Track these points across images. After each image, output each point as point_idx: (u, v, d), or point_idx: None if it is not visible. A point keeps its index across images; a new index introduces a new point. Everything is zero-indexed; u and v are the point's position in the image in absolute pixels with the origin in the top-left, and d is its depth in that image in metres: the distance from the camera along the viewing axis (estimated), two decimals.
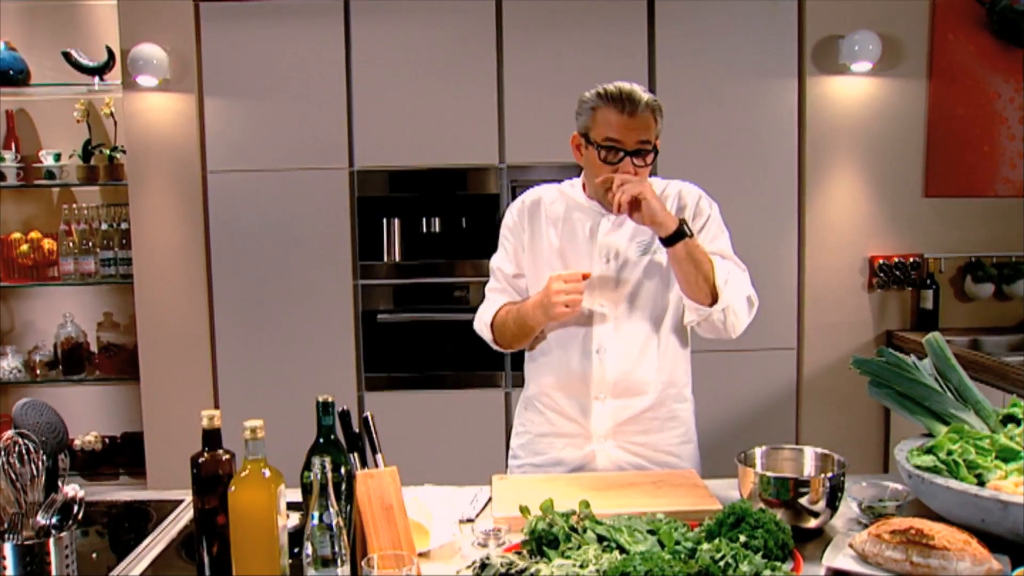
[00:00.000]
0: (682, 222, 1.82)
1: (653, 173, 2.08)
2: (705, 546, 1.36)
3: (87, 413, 3.78)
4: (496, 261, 2.11)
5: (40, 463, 1.38)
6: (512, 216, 2.09)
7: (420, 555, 1.47)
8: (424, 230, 3.44)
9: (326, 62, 3.39)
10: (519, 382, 2.22)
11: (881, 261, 3.46)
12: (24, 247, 3.63)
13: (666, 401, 2.00)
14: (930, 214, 3.48)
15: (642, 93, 1.87)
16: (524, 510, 1.54)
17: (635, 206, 1.80)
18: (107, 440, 3.72)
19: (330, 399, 1.46)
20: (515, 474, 2.07)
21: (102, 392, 3.81)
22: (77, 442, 3.63)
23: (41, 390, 3.65)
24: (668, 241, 1.82)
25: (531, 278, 2.05)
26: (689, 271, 1.84)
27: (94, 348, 3.71)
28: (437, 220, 3.44)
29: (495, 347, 2.09)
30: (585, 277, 1.89)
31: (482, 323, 2.08)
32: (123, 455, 3.70)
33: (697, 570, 1.30)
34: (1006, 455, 1.55)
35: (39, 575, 1.34)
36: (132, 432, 3.70)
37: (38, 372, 3.66)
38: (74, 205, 3.66)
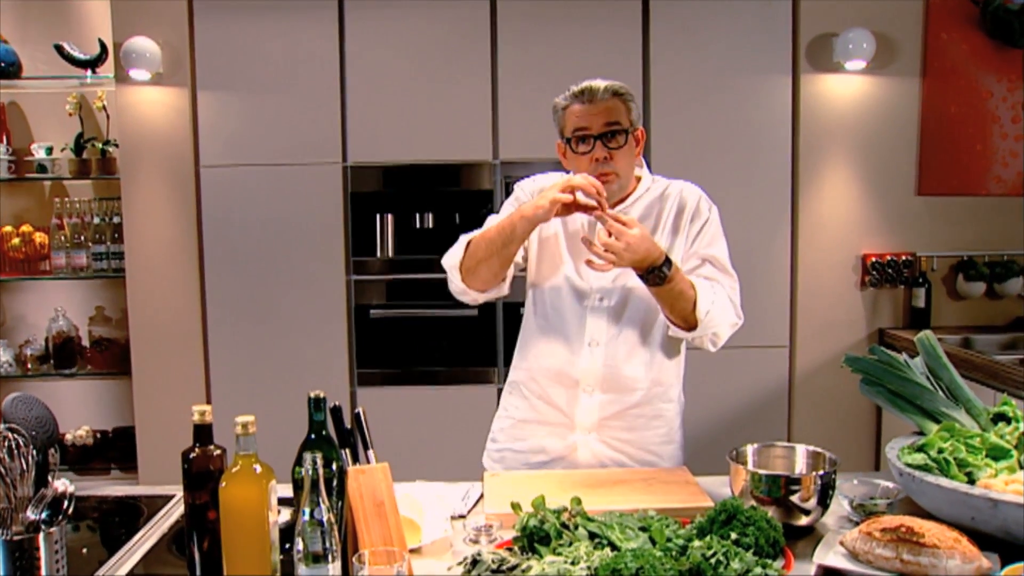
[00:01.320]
0: (654, 267, 1.77)
1: (650, 169, 2.09)
2: (696, 543, 1.35)
3: (78, 407, 3.77)
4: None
5: (30, 458, 1.37)
6: (524, 192, 2.04)
7: (411, 551, 1.47)
8: (417, 226, 3.43)
9: (320, 57, 3.38)
10: None
11: (874, 259, 3.47)
12: (15, 240, 3.62)
13: (653, 399, 2.00)
14: (923, 212, 3.49)
15: (602, 81, 1.91)
16: (516, 506, 1.54)
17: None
18: (98, 435, 3.71)
19: (322, 395, 1.46)
20: (493, 458, 2.08)
21: (93, 386, 3.80)
22: (68, 436, 3.62)
23: (32, 384, 3.64)
24: (643, 278, 1.82)
25: (534, 263, 2.03)
26: (667, 302, 1.87)
27: (86, 342, 3.70)
28: (430, 216, 3.43)
29: (455, 281, 1.95)
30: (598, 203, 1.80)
31: (457, 246, 1.96)
32: (114, 450, 3.69)
33: (688, 567, 1.30)
34: (996, 453, 1.56)
35: (29, 570, 1.33)
36: (123, 427, 3.70)
37: (29, 366, 3.64)
38: (66, 199, 3.65)
